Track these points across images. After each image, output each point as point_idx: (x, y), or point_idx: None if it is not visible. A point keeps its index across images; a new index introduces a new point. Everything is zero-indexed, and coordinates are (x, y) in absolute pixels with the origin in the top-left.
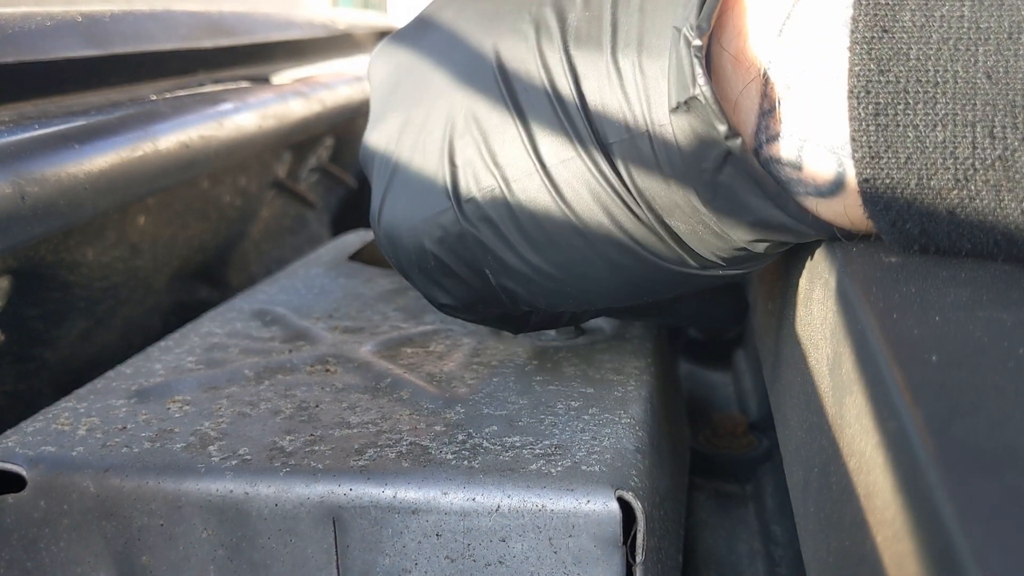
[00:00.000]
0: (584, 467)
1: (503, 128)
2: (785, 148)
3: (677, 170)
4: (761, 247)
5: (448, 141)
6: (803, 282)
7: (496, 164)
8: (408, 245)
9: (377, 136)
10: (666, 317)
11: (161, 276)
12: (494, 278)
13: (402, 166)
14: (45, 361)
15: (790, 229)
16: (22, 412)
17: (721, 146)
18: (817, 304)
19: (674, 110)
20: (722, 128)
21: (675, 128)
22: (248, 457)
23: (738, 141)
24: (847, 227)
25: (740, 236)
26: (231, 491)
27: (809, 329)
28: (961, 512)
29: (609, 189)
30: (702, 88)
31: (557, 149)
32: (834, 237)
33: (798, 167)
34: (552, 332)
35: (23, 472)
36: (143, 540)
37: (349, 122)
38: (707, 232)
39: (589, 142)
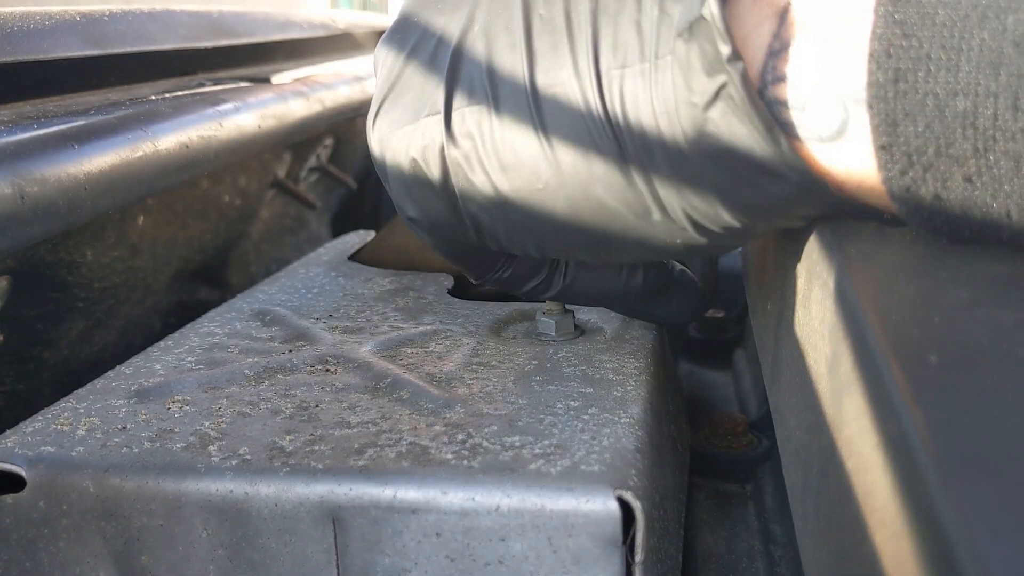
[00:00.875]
0: (583, 467)
1: (509, 47)
2: (791, 89)
3: (668, 107)
4: (732, 205)
5: (455, 51)
6: (802, 282)
7: (491, 82)
8: (395, 148)
9: (394, 40)
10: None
11: (161, 276)
12: (462, 201)
13: (409, 71)
14: (44, 361)
15: (774, 173)
16: (21, 412)
17: (716, 79)
18: (816, 304)
19: (679, 35)
20: (726, 49)
21: (674, 60)
22: (248, 457)
23: (740, 65)
24: (836, 178)
25: (715, 181)
26: (231, 491)
27: (808, 329)
28: (960, 512)
29: (591, 120)
30: (711, 6)
31: (554, 74)
32: (813, 191)
33: (802, 109)
34: (552, 332)
35: (22, 472)
36: (143, 540)
37: (349, 122)
38: (682, 183)
39: (586, 69)
